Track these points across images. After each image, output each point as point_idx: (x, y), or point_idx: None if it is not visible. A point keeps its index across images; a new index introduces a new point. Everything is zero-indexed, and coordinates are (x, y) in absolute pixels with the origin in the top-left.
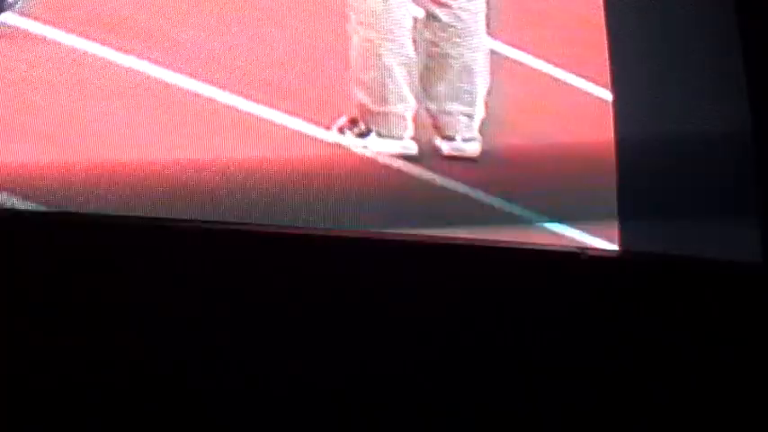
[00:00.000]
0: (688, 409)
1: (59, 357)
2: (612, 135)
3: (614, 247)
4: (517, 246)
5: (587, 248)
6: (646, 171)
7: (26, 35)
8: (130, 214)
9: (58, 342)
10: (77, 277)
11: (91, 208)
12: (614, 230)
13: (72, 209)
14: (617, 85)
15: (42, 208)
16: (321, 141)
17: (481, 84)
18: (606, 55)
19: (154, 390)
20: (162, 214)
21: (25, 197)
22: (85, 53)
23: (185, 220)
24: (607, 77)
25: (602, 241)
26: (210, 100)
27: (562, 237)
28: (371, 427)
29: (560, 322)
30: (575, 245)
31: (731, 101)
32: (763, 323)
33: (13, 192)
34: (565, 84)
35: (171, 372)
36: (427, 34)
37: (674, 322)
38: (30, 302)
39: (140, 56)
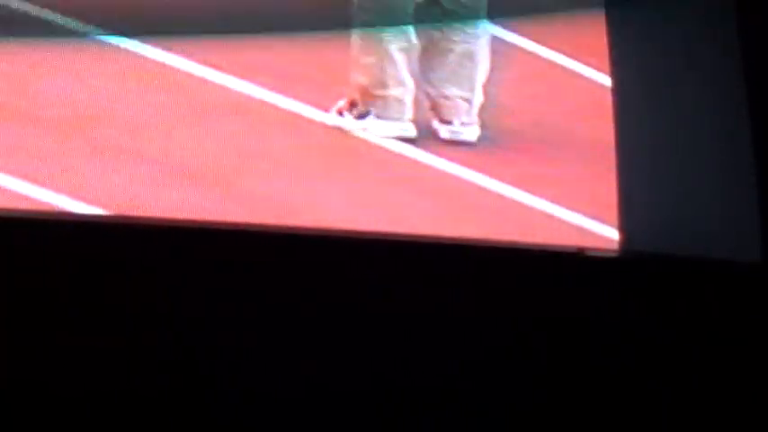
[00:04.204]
0: (688, 409)
1: (69, 359)
2: (612, 122)
3: (614, 246)
4: (517, 245)
5: (587, 248)
6: (645, 171)
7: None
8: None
9: (67, 343)
10: (82, 279)
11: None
12: (614, 227)
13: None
14: (617, 71)
15: (42, 192)
16: (320, 123)
17: (481, 69)
18: (606, 41)
19: (161, 391)
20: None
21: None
22: (82, 36)
23: (185, 221)
24: (607, 63)
25: (603, 234)
26: (207, 81)
27: (561, 222)
28: (371, 427)
29: (560, 322)
30: (574, 242)
31: (731, 96)
32: (763, 323)
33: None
34: (564, 69)
35: (174, 374)
36: (428, 19)
37: (673, 322)
38: (32, 304)
39: (137, 38)
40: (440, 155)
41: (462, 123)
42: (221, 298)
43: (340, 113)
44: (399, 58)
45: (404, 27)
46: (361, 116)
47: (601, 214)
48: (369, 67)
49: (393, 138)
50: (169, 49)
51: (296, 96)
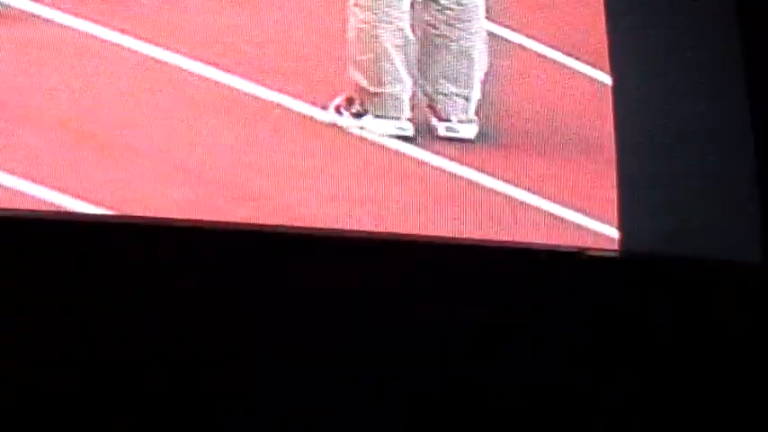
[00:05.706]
0: (688, 410)
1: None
2: (611, 120)
3: (614, 246)
4: (517, 245)
5: (587, 248)
6: (645, 171)
7: (27, 16)
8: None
9: (67, 343)
10: (80, 278)
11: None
12: (614, 227)
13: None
14: (616, 69)
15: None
16: (318, 121)
17: (479, 66)
18: (606, 39)
19: (161, 391)
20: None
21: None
22: (81, 32)
23: (185, 221)
24: (606, 61)
25: (603, 234)
26: (207, 79)
27: (561, 222)
28: (371, 427)
29: (560, 322)
30: (574, 242)
31: (731, 94)
32: (763, 323)
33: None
34: (563, 67)
35: (174, 374)
36: (426, 16)
37: (673, 322)
38: (32, 303)
39: (137, 35)
40: (438, 153)
41: (460, 121)
42: (221, 298)
43: (338, 111)
44: (396, 55)
45: (400, 24)
46: (359, 115)
47: (601, 214)
48: (365, 65)
49: (391, 136)
50: (170, 48)
51: (293, 94)
